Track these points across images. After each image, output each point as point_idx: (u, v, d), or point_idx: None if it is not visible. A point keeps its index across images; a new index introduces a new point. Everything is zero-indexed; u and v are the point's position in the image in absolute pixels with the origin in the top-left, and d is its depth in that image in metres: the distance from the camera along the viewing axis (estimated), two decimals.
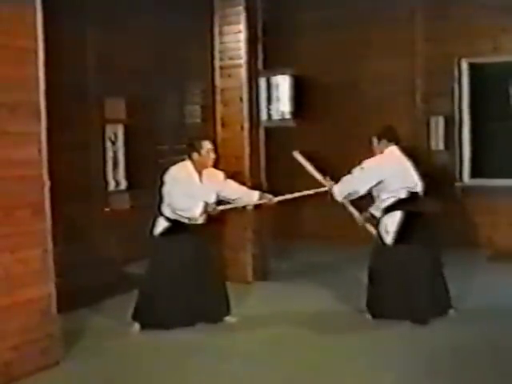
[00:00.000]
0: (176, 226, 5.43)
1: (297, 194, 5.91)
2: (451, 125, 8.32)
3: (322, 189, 5.78)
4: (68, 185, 6.15)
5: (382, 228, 5.64)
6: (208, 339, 5.26)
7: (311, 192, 5.84)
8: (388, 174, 5.60)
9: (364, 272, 7.19)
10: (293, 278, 7.25)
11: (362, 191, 5.64)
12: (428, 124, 8.45)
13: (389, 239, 5.58)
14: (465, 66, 8.05)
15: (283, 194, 5.92)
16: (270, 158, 7.64)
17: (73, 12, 6.41)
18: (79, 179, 6.71)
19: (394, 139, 5.79)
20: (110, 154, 7.23)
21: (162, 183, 5.42)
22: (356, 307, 5.99)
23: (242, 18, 6.94)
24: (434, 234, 5.80)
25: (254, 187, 6.83)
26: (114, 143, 7.31)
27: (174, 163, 5.52)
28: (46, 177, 4.56)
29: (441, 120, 8.27)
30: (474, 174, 7.99)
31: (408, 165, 5.74)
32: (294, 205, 6.06)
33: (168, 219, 5.45)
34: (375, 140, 5.81)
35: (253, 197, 5.72)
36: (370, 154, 5.76)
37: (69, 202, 6.11)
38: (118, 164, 7.30)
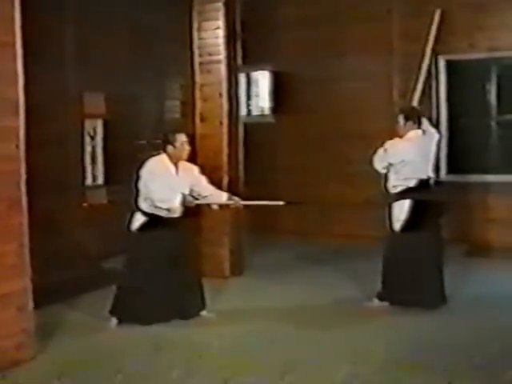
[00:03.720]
0: (153, 221, 5.45)
1: (262, 202, 5.98)
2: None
3: (281, 202, 5.80)
4: (45, 179, 6.13)
5: (391, 215, 5.70)
6: (184, 334, 5.28)
7: (273, 203, 5.91)
8: (406, 159, 5.55)
9: (341, 267, 7.25)
10: (270, 274, 7.28)
11: (380, 170, 5.73)
12: None
13: (397, 227, 5.65)
14: (442, 63, 8.11)
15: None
16: (249, 154, 7.68)
17: (51, 7, 6.38)
18: (57, 174, 6.68)
19: (419, 122, 5.70)
20: (88, 148, 7.21)
21: (137, 177, 5.42)
22: (333, 301, 6.04)
23: (221, 14, 6.97)
24: (439, 222, 5.83)
25: (231, 182, 6.89)
26: (92, 138, 7.28)
27: (150, 157, 5.54)
28: (23, 171, 4.56)
29: None
30: (451, 170, 8.05)
31: (427, 153, 5.70)
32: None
33: (145, 214, 5.46)
34: (401, 119, 5.69)
35: (222, 197, 5.72)
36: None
37: (46, 197, 6.09)
38: (97, 159, 7.29)
